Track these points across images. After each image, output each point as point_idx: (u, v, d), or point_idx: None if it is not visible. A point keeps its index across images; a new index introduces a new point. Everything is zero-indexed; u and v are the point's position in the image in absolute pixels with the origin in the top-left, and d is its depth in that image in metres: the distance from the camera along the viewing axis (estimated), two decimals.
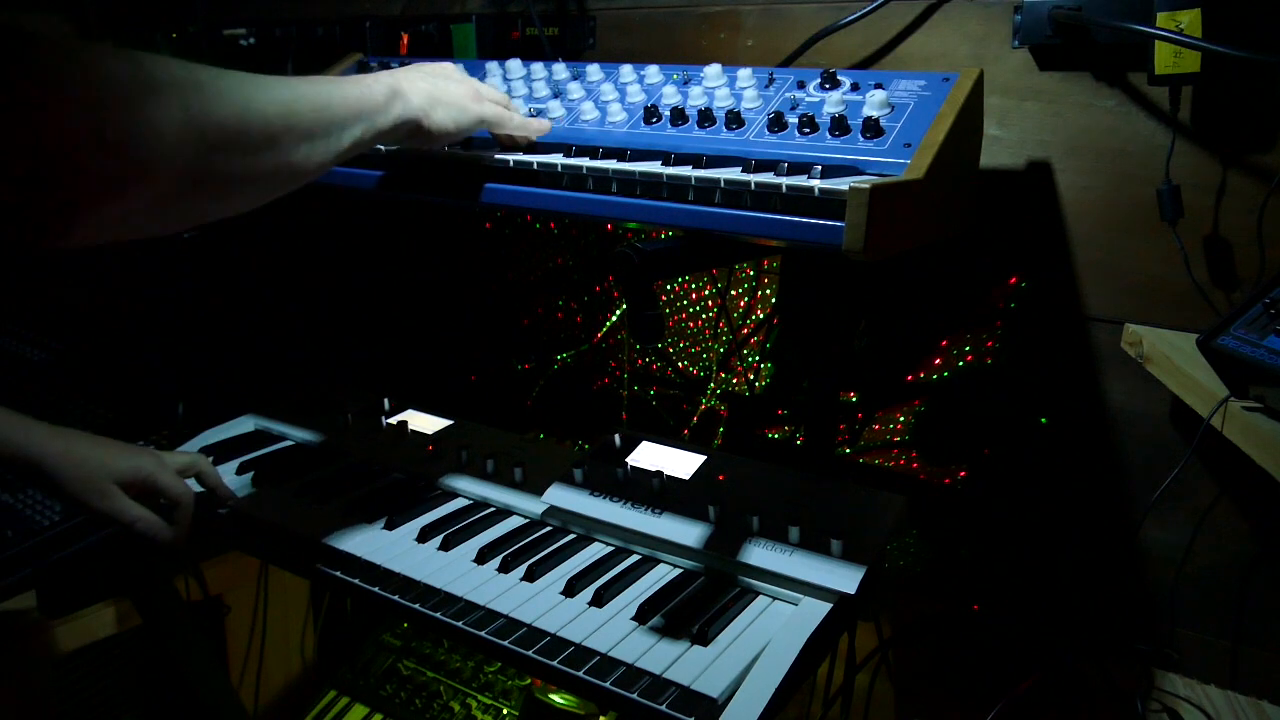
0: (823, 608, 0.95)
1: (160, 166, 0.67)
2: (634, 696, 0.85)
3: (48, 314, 1.85)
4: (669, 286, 1.52)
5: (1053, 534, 1.25)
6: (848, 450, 1.38)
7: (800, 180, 0.84)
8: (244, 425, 1.45)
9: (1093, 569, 1.24)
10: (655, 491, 1.12)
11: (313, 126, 0.82)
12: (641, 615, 0.95)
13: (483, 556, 1.06)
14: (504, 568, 1.04)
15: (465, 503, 1.21)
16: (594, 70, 1.17)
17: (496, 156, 1.02)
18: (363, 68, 1.31)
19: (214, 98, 0.71)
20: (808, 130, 0.96)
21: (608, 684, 0.87)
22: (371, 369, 1.82)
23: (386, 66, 1.28)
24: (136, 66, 0.66)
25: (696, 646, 0.91)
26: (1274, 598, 1.15)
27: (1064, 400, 1.22)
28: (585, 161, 0.96)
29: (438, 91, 0.97)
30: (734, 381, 1.49)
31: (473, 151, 1.06)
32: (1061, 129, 1.17)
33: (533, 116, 1.12)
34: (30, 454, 1.08)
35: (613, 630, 0.93)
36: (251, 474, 1.29)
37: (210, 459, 1.26)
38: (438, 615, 0.98)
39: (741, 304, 1.45)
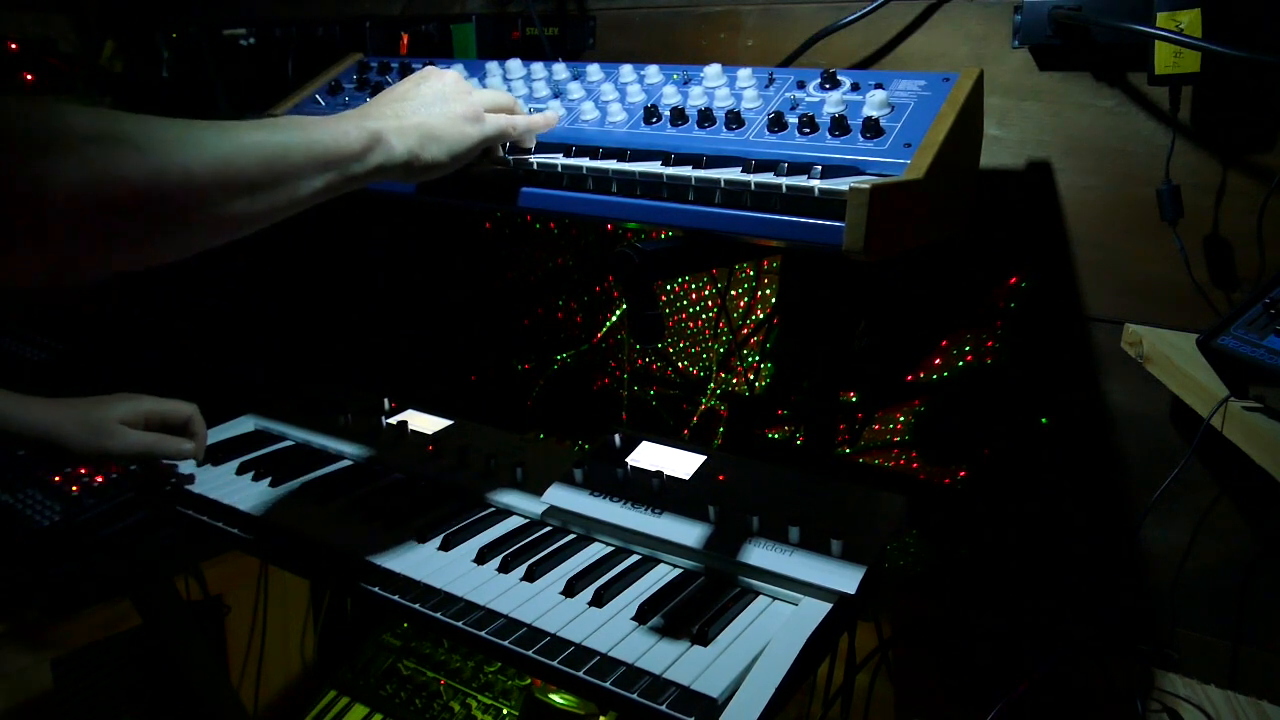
0: (823, 608, 0.95)
1: (49, 227, 0.62)
2: (634, 696, 0.85)
3: (48, 314, 1.85)
4: (669, 286, 1.52)
5: (1053, 534, 1.25)
6: (848, 450, 1.38)
7: (800, 180, 0.84)
8: (244, 425, 1.45)
9: (1093, 569, 1.24)
10: (655, 491, 1.12)
11: (258, 180, 0.76)
12: (641, 615, 0.95)
13: (483, 556, 1.06)
14: (504, 568, 1.04)
15: (465, 503, 1.21)
16: (594, 70, 1.16)
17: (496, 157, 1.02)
18: (363, 68, 1.31)
19: (127, 155, 0.66)
20: (808, 130, 0.96)
21: (608, 684, 0.87)
22: (371, 369, 1.82)
23: (387, 67, 1.29)
24: (35, 120, 0.62)
25: (696, 646, 0.91)
26: (1274, 598, 1.15)
27: (1064, 400, 1.22)
28: (585, 162, 0.96)
29: (431, 124, 0.90)
30: (734, 381, 1.49)
31: None
32: (1061, 129, 1.17)
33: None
34: (36, 426, 1.14)
35: (613, 630, 0.93)
36: (251, 474, 1.28)
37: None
38: (438, 615, 0.98)
39: (741, 304, 1.45)
